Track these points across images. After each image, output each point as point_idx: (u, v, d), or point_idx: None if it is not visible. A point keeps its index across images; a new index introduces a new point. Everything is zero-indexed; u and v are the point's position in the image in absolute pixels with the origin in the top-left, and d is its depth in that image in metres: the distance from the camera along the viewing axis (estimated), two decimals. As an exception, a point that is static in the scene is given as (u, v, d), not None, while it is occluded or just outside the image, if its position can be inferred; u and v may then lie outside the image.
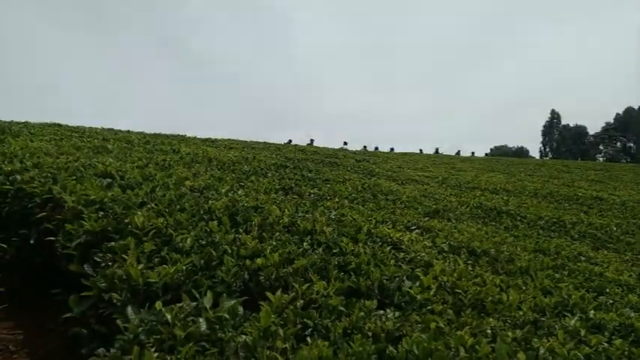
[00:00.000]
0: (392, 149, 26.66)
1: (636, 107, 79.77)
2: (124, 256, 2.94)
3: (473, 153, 33.23)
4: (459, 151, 32.96)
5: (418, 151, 28.33)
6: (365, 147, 26.33)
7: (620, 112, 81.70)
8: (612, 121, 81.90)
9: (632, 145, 79.10)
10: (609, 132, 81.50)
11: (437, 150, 29.80)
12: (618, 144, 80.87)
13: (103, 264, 2.95)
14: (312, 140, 27.89)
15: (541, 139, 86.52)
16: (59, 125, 11.31)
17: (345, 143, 27.37)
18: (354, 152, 19.00)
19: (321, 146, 19.95)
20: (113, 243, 3.13)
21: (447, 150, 32.17)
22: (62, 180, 4.22)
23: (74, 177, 4.43)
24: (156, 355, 1.89)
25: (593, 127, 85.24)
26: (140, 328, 2.17)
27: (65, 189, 3.97)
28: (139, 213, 3.49)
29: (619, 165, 34.07)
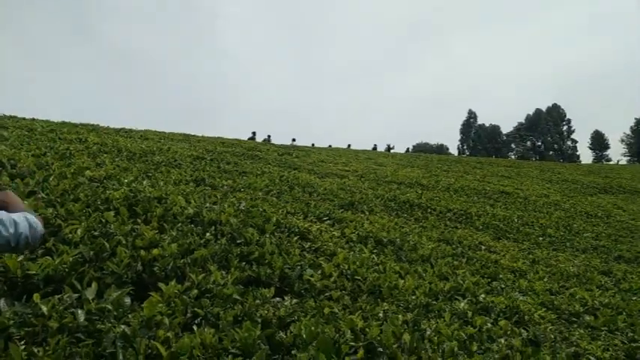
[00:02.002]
0: (313, 144, 26.86)
1: (544, 109, 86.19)
2: (2, 247, 2.73)
3: (389, 146, 34.16)
4: (374, 145, 33.68)
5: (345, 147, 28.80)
6: (294, 139, 26.33)
7: (531, 112, 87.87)
8: (524, 121, 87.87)
9: (540, 143, 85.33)
10: (520, 131, 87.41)
11: (349, 145, 30.36)
12: (528, 143, 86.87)
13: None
14: (254, 133, 27.49)
15: (459, 137, 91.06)
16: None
17: (254, 134, 27.35)
18: (279, 146, 18.95)
19: (245, 139, 19.71)
20: (-8, 234, 2.90)
21: (375, 147, 32.86)
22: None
23: (-45, 165, 4.06)
24: (23, 347, 1.77)
25: (507, 127, 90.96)
26: (12, 321, 2.03)
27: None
28: (26, 202, 3.25)
29: (527, 162, 36.63)
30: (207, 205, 4.44)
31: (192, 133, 16.47)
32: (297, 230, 4.45)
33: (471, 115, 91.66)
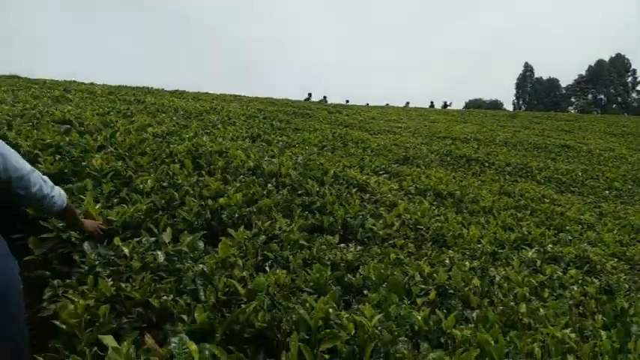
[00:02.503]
0: (367, 104, 26.43)
1: (607, 59, 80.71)
2: (81, 196, 2.87)
3: (445, 103, 33.11)
4: (431, 103, 32.75)
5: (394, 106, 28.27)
6: (347, 101, 26.03)
7: (592, 64, 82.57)
8: (584, 73, 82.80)
9: (602, 97, 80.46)
10: (581, 84, 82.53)
11: (407, 103, 29.63)
12: (589, 96, 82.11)
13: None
14: (310, 94, 27.30)
15: (514, 92, 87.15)
16: (18, 77, 10.82)
17: (310, 95, 27.04)
18: (328, 105, 18.83)
19: (294, 99, 19.66)
20: (70, 184, 3.06)
21: (420, 104, 31.98)
22: (17, 126, 4.06)
23: (30, 123, 4.27)
24: (111, 283, 1.88)
25: (566, 80, 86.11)
26: (97, 262, 2.15)
27: (20, 134, 3.83)
28: (97, 156, 3.40)
29: (589, 116, 34.71)
30: (266, 158, 4.48)
31: (244, 94, 16.61)
32: (355, 182, 4.43)
33: (528, 69, 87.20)
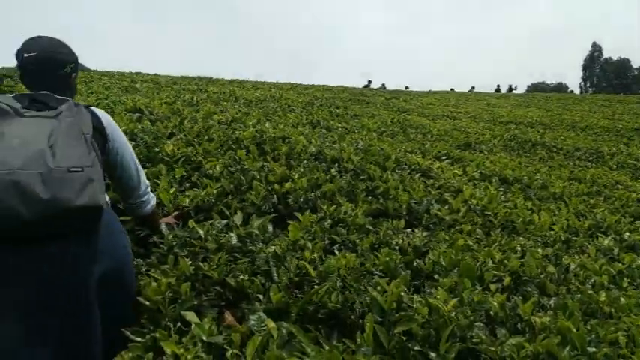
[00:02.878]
0: (430, 91, 25.92)
1: (687, 36, 74.44)
2: (156, 181, 3.01)
3: (511, 87, 31.78)
4: (498, 86, 31.43)
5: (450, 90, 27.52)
6: (407, 87, 25.71)
7: (669, 42, 76.44)
8: (659, 52, 76.84)
9: (679, 77, 74.47)
10: (655, 64, 76.81)
11: (472, 88, 28.71)
12: (665, 77, 76.25)
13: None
14: (369, 81, 27.23)
15: (581, 74, 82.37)
16: (88, 69, 11.42)
17: (369, 82, 26.91)
18: (384, 91, 18.61)
19: (349, 86, 19.53)
20: (146, 169, 3.21)
21: (482, 89, 30.78)
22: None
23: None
24: (190, 263, 1.96)
25: (638, 60, 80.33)
26: (175, 242, 2.25)
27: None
28: (169, 142, 3.54)
29: (665, 98, 32.33)
30: (327, 144, 4.50)
31: (299, 82, 16.72)
32: (417, 168, 4.37)
33: (596, 49, 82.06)
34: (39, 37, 1.76)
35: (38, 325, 1.38)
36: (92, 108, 1.79)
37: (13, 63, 1.84)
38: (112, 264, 1.64)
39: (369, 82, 27.02)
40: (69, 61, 1.79)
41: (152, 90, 7.29)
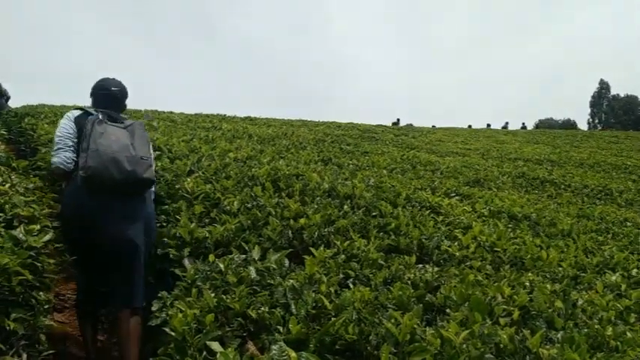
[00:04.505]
0: (433, 126, 26.39)
1: (694, 74, 74.95)
2: (177, 217, 3.15)
3: (524, 125, 32.11)
4: (506, 123, 31.80)
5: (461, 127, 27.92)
6: (411, 124, 26.35)
7: (676, 79, 76.97)
8: (667, 89, 77.33)
9: (688, 114, 74.51)
10: (663, 101, 77.06)
11: (488, 125, 29.20)
12: (674, 113, 76.37)
13: (158, 225, 3.18)
14: (398, 120, 28.12)
15: (589, 110, 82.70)
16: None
17: (398, 120, 27.89)
18: (393, 127, 18.90)
19: (360, 122, 19.84)
20: (166, 206, 3.36)
21: (494, 126, 31.05)
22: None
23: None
24: (213, 295, 2.07)
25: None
26: (197, 276, 2.37)
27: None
28: (188, 180, 3.70)
29: (674, 135, 32.34)
30: (340, 181, 4.64)
31: (309, 119, 17.06)
32: (427, 204, 4.48)
33: (603, 86, 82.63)
34: (112, 78, 3.10)
35: (139, 226, 2.74)
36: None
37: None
38: (151, 208, 2.94)
39: (398, 120, 27.83)
40: (128, 95, 3.14)
41: (169, 128, 7.54)
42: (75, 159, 2.73)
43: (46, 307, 2.14)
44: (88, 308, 2.90)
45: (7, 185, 2.84)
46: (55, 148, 2.78)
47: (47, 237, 2.36)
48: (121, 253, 2.67)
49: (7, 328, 1.83)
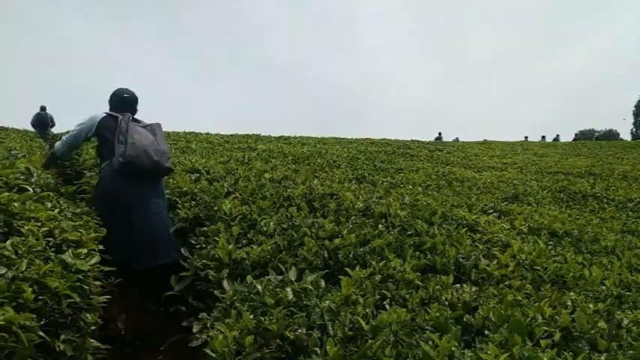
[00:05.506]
0: (485, 140, 26.15)
1: None
2: (215, 238, 3.24)
3: (557, 137, 31.29)
4: (543, 136, 31.13)
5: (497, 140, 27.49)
6: (457, 138, 26.21)
7: None
8: None
9: None
10: None
11: (526, 137, 28.69)
12: None
13: (198, 246, 3.28)
14: (440, 134, 28.10)
15: (632, 119, 79.73)
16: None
17: (440, 134, 27.80)
18: (428, 142, 18.75)
19: (392, 138, 19.79)
20: (205, 228, 3.45)
21: (531, 138, 30.37)
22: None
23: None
24: (251, 317, 2.12)
25: (694, 104, 77.17)
26: (235, 297, 2.42)
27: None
28: (226, 201, 3.80)
29: None
30: (374, 199, 4.66)
31: (342, 136, 17.15)
32: (464, 222, 4.43)
33: (647, 94, 79.64)
34: (126, 87, 3.78)
35: (161, 201, 3.62)
36: None
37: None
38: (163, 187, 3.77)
39: (440, 134, 27.73)
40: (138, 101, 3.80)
41: (206, 149, 7.75)
42: (73, 155, 4.12)
43: (92, 328, 2.24)
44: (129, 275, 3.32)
45: (57, 210, 3.00)
46: (69, 136, 3.60)
47: (94, 260, 2.47)
48: (151, 220, 3.45)
49: (57, 349, 1.92)
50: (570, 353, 1.96)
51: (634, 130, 78.95)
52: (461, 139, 26.19)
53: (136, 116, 3.72)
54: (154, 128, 3.58)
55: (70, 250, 2.40)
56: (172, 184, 4.29)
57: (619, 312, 2.78)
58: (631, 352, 2.15)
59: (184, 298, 3.14)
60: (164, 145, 3.54)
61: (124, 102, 3.67)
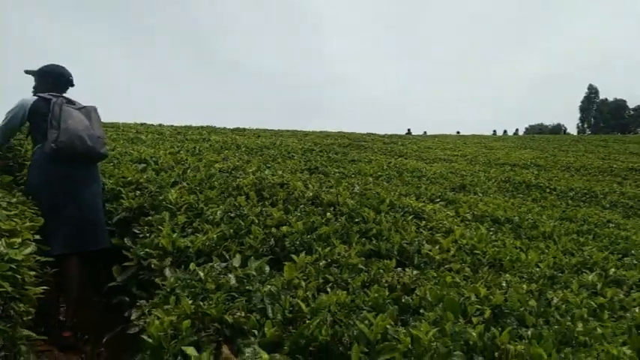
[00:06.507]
0: (424, 132, 26.84)
1: (679, 77, 76.12)
2: (159, 227, 3.19)
3: (505, 132, 32.53)
4: (494, 131, 32.47)
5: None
6: (425, 132, 26.85)
7: (662, 82, 78.18)
8: (654, 92, 78.49)
9: (676, 116, 75.62)
10: (651, 104, 78.19)
11: (494, 132, 29.84)
12: (661, 116, 77.48)
13: (141, 235, 3.22)
14: (409, 130, 28.55)
15: (578, 115, 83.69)
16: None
17: (409, 130, 28.42)
18: (382, 136, 19.01)
19: (349, 132, 19.94)
20: (149, 217, 3.39)
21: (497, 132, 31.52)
22: (101, 165, 4.52)
23: (112, 163, 4.73)
24: (191, 302, 2.11)
25: (635, 101, 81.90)
26: (176, 284, 2.40)
27: (104, 174, 4.27)
28: (172, 191, 3.74)
29: (661, 137, 32.78)
30: (324, 189, 4.70)
31: (299, 129, 17.14)
32: (410, 210, 4.54)
33: (592, 91, 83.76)
34: (61, 65, 3.61)
35: (94, 188, 3.50)
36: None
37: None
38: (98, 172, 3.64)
39: (409, 130, 28.27)
40: None
41: (157, 140, 7.58)
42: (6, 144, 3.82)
43: (26, 318, 2.17)
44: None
45: (-10, 200, 2.87)
46: (1, 126, 3.43)
47: (28, 250, 2.40)
48: (84, 207, 3.37)
49: (-14, 339, 1.85)
50: (499, 329, 2.06)
51: (580, 125, 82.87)
52: (429, 134, 26.84)
53: (70, 96, 3.56)
54: (89, 111, 3.44)
55: (2, 240, 2.31)
56: (117, 174, 4.19)
57: (550, 292, 2.93)
58: (556, 327, 2.28)
59: (128, 288, 3.08)
60: (99, 129, 3.43)
61: (59, 82, 3.53)
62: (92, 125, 3.39)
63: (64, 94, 3.52)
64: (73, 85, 3.61)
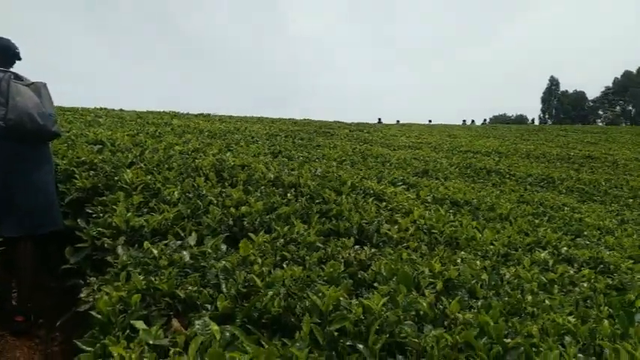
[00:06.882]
0: (397, 121, 27.11)
1: (634, 71, 79.21)
2: (114, 207, 3.10)
3: (473, 121, 33.29)
4: (464, 121, 33.16)
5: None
6: (398, 121, 27.04)
7: (619, 76, 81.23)
8: (611, 85, 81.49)
9: (631, 108, 78.71)
10: (608, 96, 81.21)
11: (464, 121, 30.45)
12: (618, 108, 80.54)
13: (95, 215, 3.13)
14: (379, 119, 28.60)
15: (540, 106, 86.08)
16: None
17: (380, 119, 28.58)
18: (349, 124, 19.06)
19: (316, 119, 19.90)
20: (104, 197, 3.30)
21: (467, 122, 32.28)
22: (54, 147, 4.36)
23: (66, 144, 4.58)
24: (142, 278, 2.07)
25: (593, 93, 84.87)
26: (129, 262, 2.35)
27: (57, 154, 4.13)
28: (128, 171, 3.65)
29: (617, 128, 34.10)
30: (286, 171, 4.68)
31: (265, 116, 17.00)
32: (372, 192, 4.58)
33: (553, 83, 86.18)
34: (6, 37, 3.36)
35: (45, 167, 3.33)
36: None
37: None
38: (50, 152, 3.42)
39: (380, 119, 28.43)
40: None
41: (116, 124, 7.38)
42: None
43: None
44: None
45: None
46: None
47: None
48: (35, 188, 3.22)
49: None
50: (450, 300, 2.11)
51: (542, 115, 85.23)
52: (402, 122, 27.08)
53: (17, 71, 3.37)
54: (38, 87, 3.26)
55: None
56: (71, 155, 4.05)
57: (503, 268, 3.02)
58: (506, 298, 2.35)
59: (82, 270, 2.99)
60: (50, 107, 3.27)
61: (5, 56, 3.31)
62: (43, 102, 3.21)
63: (12, 69, 3.33)
64: (20, 59, 3.41)
